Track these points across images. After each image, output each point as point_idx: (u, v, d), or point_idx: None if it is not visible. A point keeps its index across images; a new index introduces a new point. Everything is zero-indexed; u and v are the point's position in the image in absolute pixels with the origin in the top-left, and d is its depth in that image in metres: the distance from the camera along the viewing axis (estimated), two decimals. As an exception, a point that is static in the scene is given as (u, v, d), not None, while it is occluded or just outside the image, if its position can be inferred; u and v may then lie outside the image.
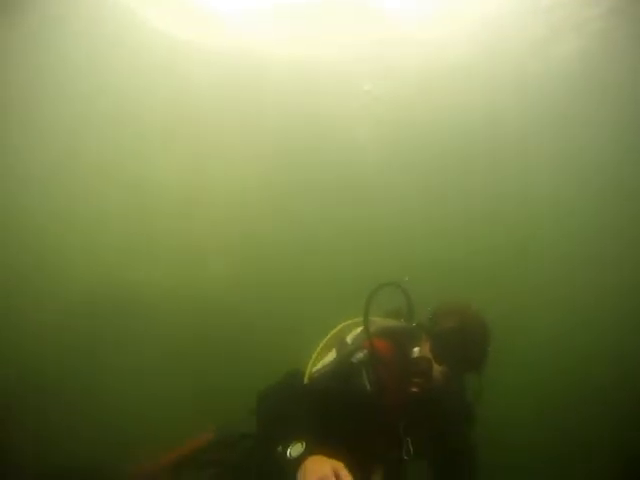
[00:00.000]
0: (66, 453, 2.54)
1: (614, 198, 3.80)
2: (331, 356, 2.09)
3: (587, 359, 3.41)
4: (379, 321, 2.09)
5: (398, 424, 1.92)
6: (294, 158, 3.93)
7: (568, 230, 3.77)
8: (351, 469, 1.73)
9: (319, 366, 2.07)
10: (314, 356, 2.07)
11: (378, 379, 1.85)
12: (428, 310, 2.06)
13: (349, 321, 2.17)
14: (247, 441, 2.13)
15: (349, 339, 2.09)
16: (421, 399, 1.88)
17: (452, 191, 3.97)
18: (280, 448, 1.60)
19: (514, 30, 3.85)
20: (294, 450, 1.54)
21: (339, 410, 1.80)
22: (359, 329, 2.09)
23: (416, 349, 1.96)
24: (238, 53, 3.88)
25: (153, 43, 3.79)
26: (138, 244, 3.67)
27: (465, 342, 1.88)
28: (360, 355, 1.88)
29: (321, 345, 2.09)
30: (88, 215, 3.69)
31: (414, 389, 1.88)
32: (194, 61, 3.88)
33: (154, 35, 3.77)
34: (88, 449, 2.62)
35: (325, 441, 1.54)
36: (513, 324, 3.06)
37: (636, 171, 3.74)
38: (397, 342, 1.99)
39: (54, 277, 3.41)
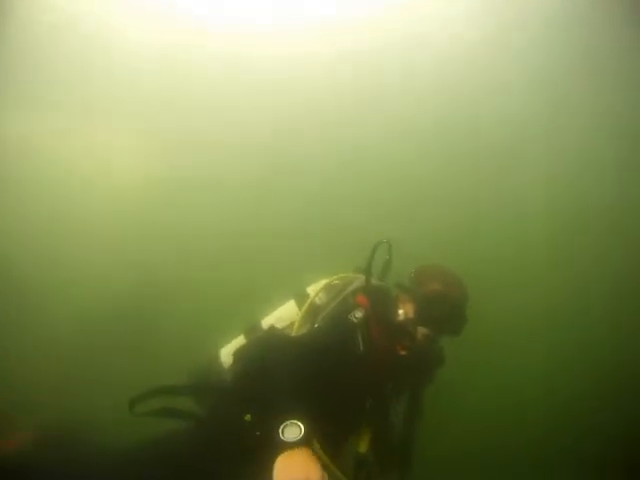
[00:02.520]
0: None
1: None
2: (290, 312, 2.04)
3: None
4: (363, 278, 2.02)
5: (386, 386, 1.94)
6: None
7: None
8: (339, 437, 1.82)
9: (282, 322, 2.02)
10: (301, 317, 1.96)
11: (371, 340, 1.81)
12: (410, 272, 2.07)
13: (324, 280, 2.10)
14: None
15: (317, 297, 2.03)
16: (407, 361, 1.89)
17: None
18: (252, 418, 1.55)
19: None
20: (289, 432, 1.35)
21: (332, 371, 1.74)
22: (324, 284, 2.06)
23: (401, 311, 1.96)
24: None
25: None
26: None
27: (450, 306, 1.93)
28: (359, 314, 1.81)
29: (306, 306, 1.99)
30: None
31: (402, 352, 1.88)
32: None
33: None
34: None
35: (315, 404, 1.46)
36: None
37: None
38: (382, 303, 1.96)
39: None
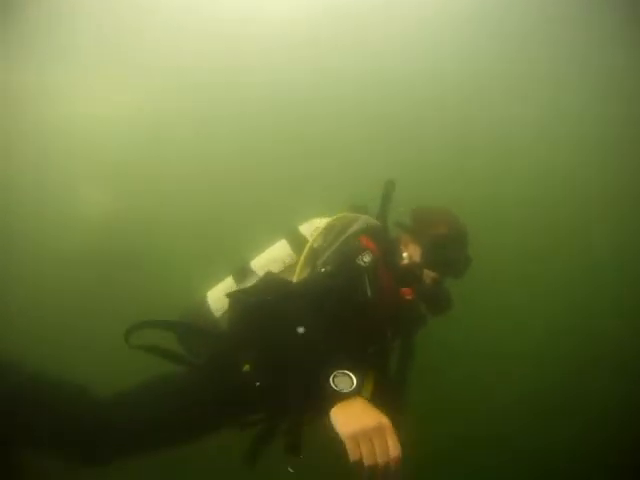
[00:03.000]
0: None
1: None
2: (283, 253, 1.91)
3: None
4: (364, 218, 1.92)
5: (387, 331, 1.86)
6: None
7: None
8: None
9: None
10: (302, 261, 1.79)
11: (379, 285, 1.72)
12: (402, 210, 1.98)
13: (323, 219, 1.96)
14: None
15: (315, 236, 1.89)
16: (413, 305, 1.84)
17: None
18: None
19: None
20: (342, 383, 1.27)
21: (338, 317, 1.60)
22: (323, 226, 1.92)
23: (405, 254, 1.88)
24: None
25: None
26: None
27: (458, 249, 1.91)
28: (368, 258, 1.69)
29: (307, 250, 1.83)
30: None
31: (408, 297, 1.80)
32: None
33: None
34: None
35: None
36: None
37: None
38: (387, 245, 1.87)
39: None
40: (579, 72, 3.49)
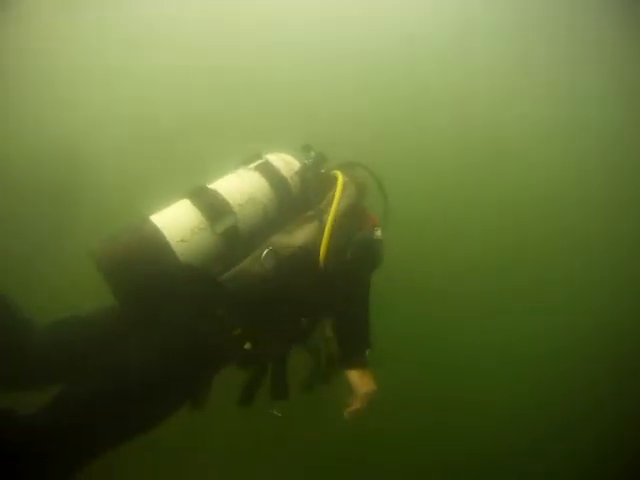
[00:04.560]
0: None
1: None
2: (260, 190, 1.74)
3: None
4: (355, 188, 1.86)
5: None
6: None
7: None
8: None
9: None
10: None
11: None
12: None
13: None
14: None
15: (292, 179, 1.81)
16: None
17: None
18: None
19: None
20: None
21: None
22: (292, 162, 1.85)
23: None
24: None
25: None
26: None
27: None
28: (379, 233, 1.84)
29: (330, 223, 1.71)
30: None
31: None
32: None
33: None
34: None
35: None
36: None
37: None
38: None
39: None
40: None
